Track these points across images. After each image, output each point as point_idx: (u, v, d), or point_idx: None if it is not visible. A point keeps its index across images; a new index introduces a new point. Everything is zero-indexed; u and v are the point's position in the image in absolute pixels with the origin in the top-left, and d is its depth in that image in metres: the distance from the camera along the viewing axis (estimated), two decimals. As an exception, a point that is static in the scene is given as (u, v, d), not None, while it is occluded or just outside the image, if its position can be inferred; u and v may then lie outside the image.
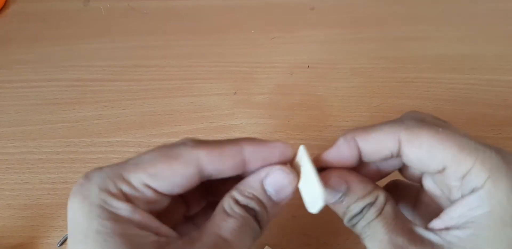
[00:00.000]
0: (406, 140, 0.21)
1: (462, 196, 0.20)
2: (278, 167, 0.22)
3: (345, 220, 0.23)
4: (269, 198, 0.22)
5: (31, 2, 0.57)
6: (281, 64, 0.48)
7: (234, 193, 0.21)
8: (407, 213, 0.26)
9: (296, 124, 0.42)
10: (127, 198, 0.20)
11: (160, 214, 0.21)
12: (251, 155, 0.21)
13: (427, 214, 0.24)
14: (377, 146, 0.22)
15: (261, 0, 0.55)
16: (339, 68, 0.47)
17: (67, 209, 0.20)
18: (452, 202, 0.21)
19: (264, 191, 0.22)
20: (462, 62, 0.47)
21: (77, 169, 0.40)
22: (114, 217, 0.19)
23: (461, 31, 0.50)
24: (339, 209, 0.23)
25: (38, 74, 0.48)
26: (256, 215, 0.21)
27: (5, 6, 0.57)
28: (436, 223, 0.21)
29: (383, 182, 0.26)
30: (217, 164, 0.21)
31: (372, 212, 0.22)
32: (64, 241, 0.35)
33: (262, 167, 0.22)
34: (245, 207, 0.21)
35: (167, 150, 0.21)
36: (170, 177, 0.20)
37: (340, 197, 0.22)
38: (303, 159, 0.22)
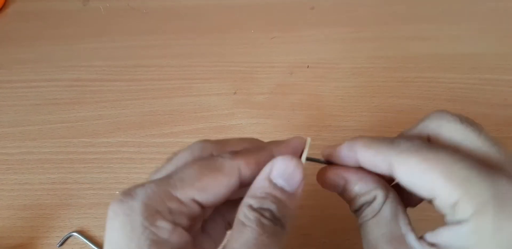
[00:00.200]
0: (396, 166, 0.21)
1: (452, 223, 0.20)
2: (279, 157, 0.22)
3: (351, 210, 0.24)
4: (281, 190, 0.21)
5: (31, 2, 0.57)
6: (281, 64, 0.47)
7: (247, 200, 0.21)
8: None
9: (296, 124, 0.42)
10: (172, 216, 0.20)
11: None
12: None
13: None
14: (372, 163, 0.22)
15: (261, 0, 0.55)
16: (339, 68, 0.47)
17: (107, 227, 0.19)
18: (446, 223, 0.21)
19: (274, 185, 0.21)
20: (462, 61, 0.46)
21: (77, 169, 0.39)
22: (154, 238, 0.19)
23: (462, 30, 0.50)
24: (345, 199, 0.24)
25: (37, 74, 0.48)
26: (274, 215, 0.21)
27: (4, 5, 0.57)
28: (428, 236, 0.21)
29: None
30: (254, 171, 0.22)
31: (367, 212, 0.22)
32: (64, 241, 0.35)
33: None
34: (260, 211, 0.20)
35: (208, 162, 0.21)
36: (216, 189, 0.21)
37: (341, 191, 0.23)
38: (305, 150, 0.23)
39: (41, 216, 0.37)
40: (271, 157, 0.22)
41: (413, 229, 0.21)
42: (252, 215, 0.20)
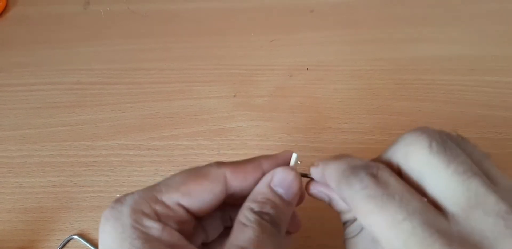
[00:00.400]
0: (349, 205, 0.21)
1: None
2: (280, 167, 0.23)
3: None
4: (280, 197, 0.22)
5: (32, 6, 0.57)
6: (280, 67, 0.48)
7: (248, 203, 0.22)
8: None
9: (295, 126, 0.42)
10: (159, 218, 0.20)
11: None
12: (269, 168, 0.23)
13: None
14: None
15: (261, 3, 0.55)
16: (339, 70, 0.47)
17: (99, 232, 0.20)
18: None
19: (274, 192, 0.23)
20: (461, 63, 0.47)
21: (77, 172, 0.40)
22: (145, 236, 0.19)
23: (460, 32, 0.50)
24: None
25: (38, 78, 0.48)
26: (272, 219, 0.22)
27: (5, 9, 0.57)
28: None
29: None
30: (241, 180, 0.23)
31: (350, 231, 0.22)
32: (64, 244, 0.35)
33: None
34: (260, 214, 0.21)
35: (195, 170, 0.22)
36: (201, 194, 0.22)
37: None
38: (290, 165, 0.24)
39: (42, 219, 0.37)
40: (259, 167, 0.23)
41: None
42: (252, 217, 0.21)
